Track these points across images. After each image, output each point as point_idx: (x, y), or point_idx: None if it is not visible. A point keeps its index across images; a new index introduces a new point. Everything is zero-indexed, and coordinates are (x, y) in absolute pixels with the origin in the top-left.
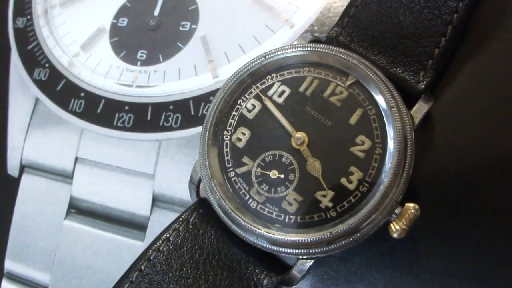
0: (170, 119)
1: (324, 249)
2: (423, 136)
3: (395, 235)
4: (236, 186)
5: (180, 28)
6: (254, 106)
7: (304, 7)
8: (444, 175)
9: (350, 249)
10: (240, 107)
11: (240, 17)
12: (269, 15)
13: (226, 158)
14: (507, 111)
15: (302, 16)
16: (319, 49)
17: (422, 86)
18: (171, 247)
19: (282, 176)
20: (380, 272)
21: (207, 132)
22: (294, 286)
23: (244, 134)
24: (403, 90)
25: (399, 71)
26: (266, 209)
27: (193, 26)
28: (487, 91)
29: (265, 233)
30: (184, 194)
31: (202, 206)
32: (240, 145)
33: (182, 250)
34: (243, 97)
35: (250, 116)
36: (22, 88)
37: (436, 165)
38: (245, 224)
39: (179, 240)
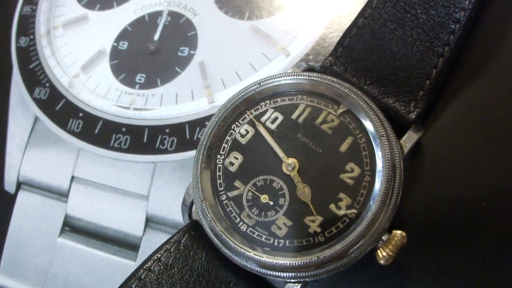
0: (165, 142)
1: (312, 273)
2: (412, 165)
3: (382, 262)
4: (227, 209)
5: (179, 53)
6: (247, 132)
7: (300, 37)
8: (432, 203)
9: (338, 275)
10: (233, 132)
11: (237, 44)
12: (266, 43)
13: (218, 181)
14: (495, 142)
15: (298, 45)
16: (312, 78)
17: (413, 116)
18: (162, 267)
19: (272, 200)
20: None
21: (201, 155)
22: None
23: (236, 158)
24: (394, 119)
25: (391, 101)
26: (256, 233)
27: (192, 52)
28: (477, 122)
29: (254, 256)
30: (176, 216)
31: (194, 228)
32: (232, 169)
33: (172, 270)
34: (237, 122)
35: (243, 141)
36: (22, 106)
37: (424, 194)
38: (235, 246)
39: (170, 261)
